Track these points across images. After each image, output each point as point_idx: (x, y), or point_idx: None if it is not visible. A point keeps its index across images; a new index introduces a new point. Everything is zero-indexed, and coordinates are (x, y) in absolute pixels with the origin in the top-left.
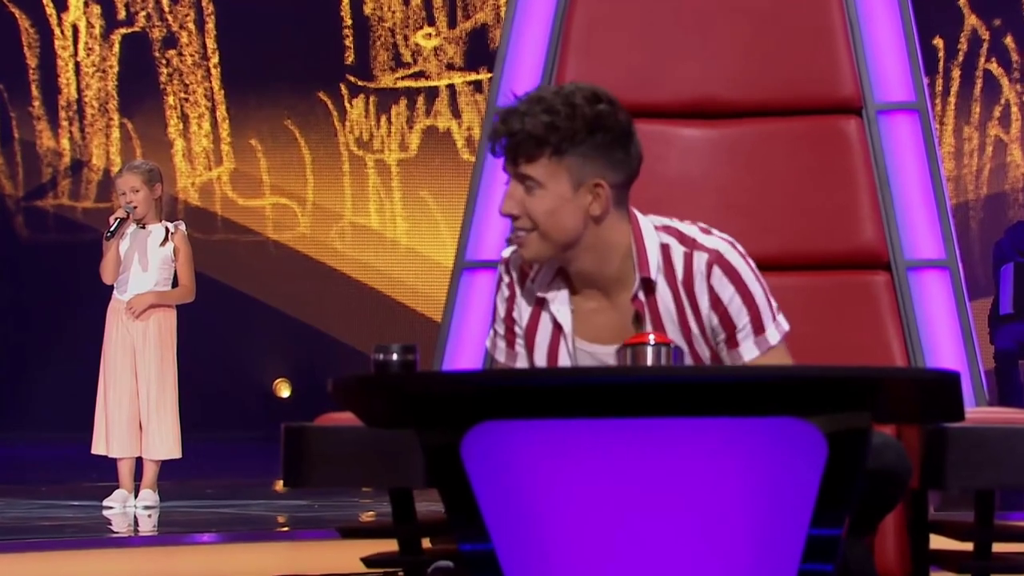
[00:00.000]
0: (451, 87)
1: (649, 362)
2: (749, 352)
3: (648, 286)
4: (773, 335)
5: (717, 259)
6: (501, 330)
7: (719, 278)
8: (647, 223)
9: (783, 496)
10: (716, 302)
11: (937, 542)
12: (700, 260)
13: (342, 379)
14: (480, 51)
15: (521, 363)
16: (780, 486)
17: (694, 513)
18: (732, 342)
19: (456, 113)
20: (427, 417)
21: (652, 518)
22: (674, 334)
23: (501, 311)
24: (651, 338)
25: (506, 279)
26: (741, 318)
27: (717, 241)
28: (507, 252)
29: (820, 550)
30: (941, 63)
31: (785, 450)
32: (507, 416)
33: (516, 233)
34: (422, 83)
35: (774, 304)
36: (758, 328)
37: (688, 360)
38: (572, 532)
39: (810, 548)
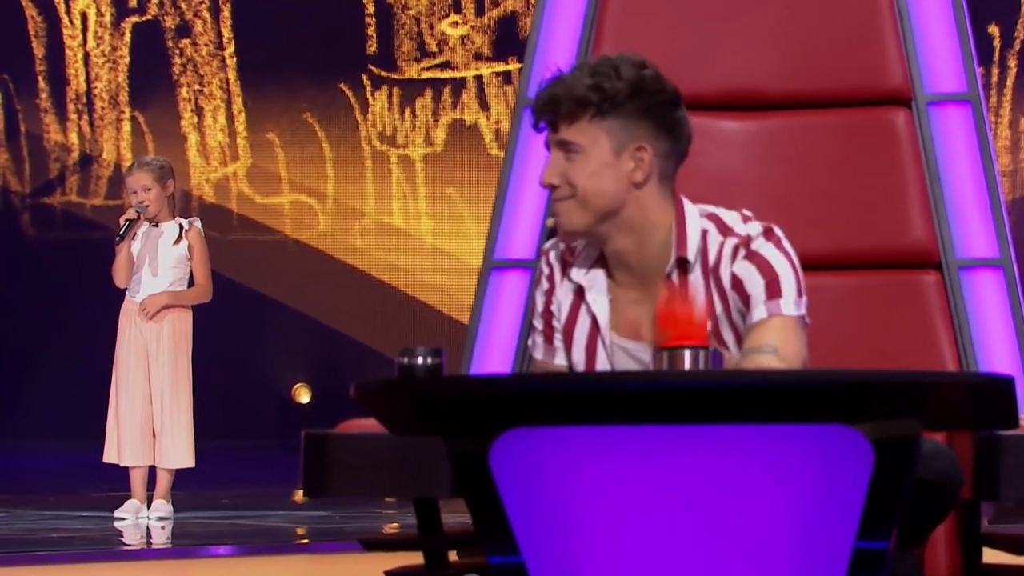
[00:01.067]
0: (479, 78)
1: (687, 366)
2: (759, 315)
3: (683, 267)
4: (789, 307)
5: (744, 244)
6: (539, 325)
7: (741, 260)
8: (692, 209)
9: (828, 507)
10: (736, 281)
11: (990, 555)
12: (729, 245)
13: (365, 384)
14: (509, 40)
15: (559, 359)
16: (825, 496)
17: (733, 525)
18: (747, 308)
19: (484, 106)
20: (454, 424)
21: (690, 530)
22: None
23: (539, 305)
24: None
25: (545, 271)
26: (757, 286)
27: (752, 227)
28: (548, 244)
29: (867, 563)
30: (997, 52)
31: (830, 459)
32: (538, 423)
33: (555, 204)
34: (448, 74)
35: (801, 287)
36: (773, 293)
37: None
38: (605, 544)
39: (856, 561)
